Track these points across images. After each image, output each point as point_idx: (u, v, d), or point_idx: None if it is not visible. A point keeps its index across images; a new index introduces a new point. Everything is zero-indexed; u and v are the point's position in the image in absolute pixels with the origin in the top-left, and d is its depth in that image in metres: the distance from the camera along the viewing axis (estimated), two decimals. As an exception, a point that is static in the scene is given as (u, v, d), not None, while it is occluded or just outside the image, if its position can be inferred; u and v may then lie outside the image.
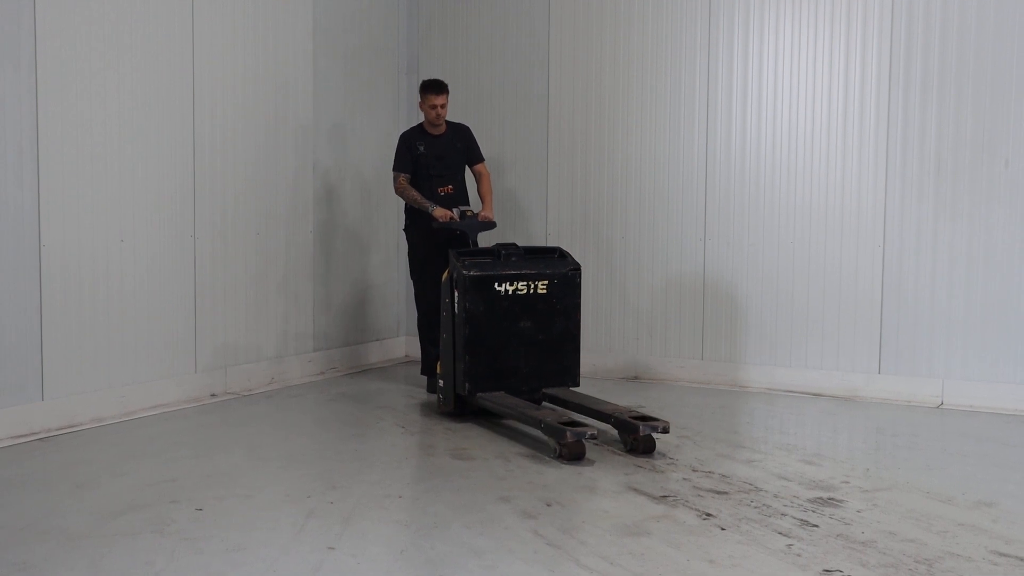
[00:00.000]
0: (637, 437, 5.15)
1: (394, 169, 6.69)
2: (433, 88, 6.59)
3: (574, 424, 5.07)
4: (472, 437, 5.57)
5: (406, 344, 8.30)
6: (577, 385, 5.92)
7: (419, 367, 7.94)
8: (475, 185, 6.83)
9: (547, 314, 5.80)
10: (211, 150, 6.47)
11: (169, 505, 4.29)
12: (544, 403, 5.81)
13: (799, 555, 3.78)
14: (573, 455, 5.01)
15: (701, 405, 6.52)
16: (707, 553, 3.82)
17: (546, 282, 5.79)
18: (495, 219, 6.65)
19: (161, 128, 6.14)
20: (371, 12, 7.87)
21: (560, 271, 5.83)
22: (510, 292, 5.71)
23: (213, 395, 6.53)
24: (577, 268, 5.88)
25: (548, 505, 4.38)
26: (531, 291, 5.75)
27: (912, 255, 6.54)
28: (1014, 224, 6.27)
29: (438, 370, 5.94)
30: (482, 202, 6.68)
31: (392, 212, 8.15)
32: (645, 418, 5.23)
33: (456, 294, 5.69)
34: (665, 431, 5.15)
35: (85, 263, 5.71)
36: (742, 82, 7.00)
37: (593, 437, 4.98)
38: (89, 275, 5.73)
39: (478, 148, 6.82)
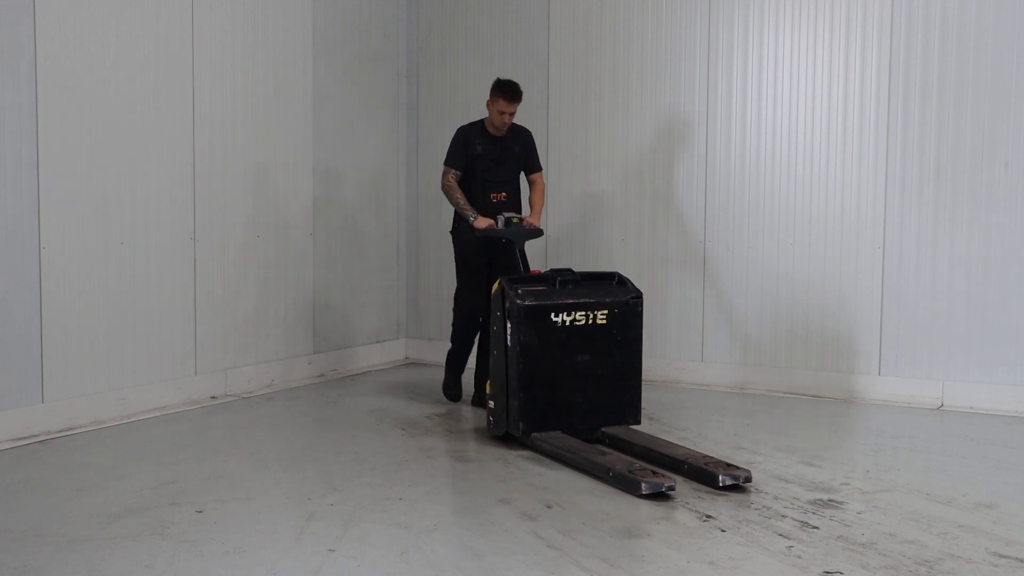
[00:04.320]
0: (716, 488, 4.57)
1: (445, 163, 6.19)
2: (507, 94, 6.03)
3: (646, 473, 4.56)
4: (471, 440, 5.56)
5: (406, 346, 8.30)
6: (638, 423, 5.47)
7: (419, 368, 7.94)
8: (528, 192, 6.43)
9: (606, 346, 5.33)
10: (211, 153, 6.47)
11: (169, 508, 4.29)
12: (602, 444, 5.29)
13: (799, 557, 3.78)
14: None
15: (701, 407, 6.52)
16: (707, 555, 3.81)
17: (606, 311, 5.32)
18: (541, 227, 6.15)
19: (161, 131, 6.14)
20: (371, 18, 7.88)
21: (620, 299, 5.37)
22: (567, 323, 5.24)
23: (213, 397, 6.53)
24: (639, 296, 5.43)
25: (548, 507, 4.38)
26: (590, 321, 5.29)
27: (912, 258, 6.54)
28: (1013, 227, 6.27)
29: (488, 390, 5.48)
30: (530, 208, 6.22)
31: (392, 213, 8.15)
32: (724, 465, 4.69)
33: (509, 325, 5.21)
34: (748, 480, 4.59)
35: (85, 266, 5.71)
36: (742, 87, 7.01)
37: (671, 489, 4.45)
38: (89, 278, 5.73)
39: (537, 156, 6.39)
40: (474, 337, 6.38)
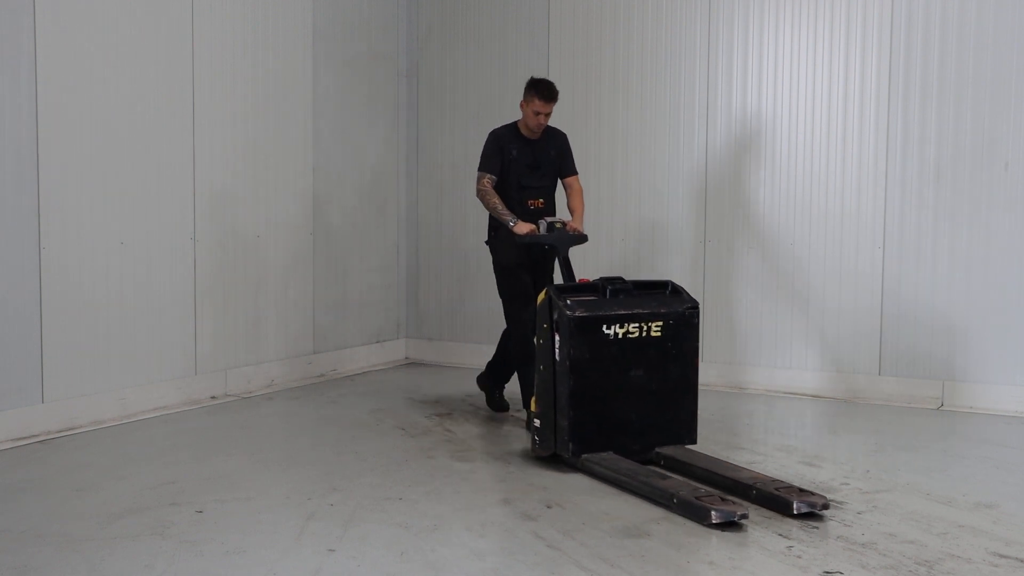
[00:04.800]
0: (791, 516, 4.19)
1: (480, 168, 5.86)
2: (542, 93, 5.73)
3: (715, 499, 4.19)
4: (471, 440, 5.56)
5: (406, 346, 8.30)
6: (694, 443, 5.10)
7: (419, 368, 7.94)
8: (566, 199, 6.06)
9: (661, 360, 4.98)
10: (211, 153, 6.47)
11: (169, 508, 4.29)
12: (657, 466, 4.91)
13: (799, 556, 3.78)
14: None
15: (701, 407, 6.47)
16: (707, 555, 3.81)
17: (660, 323, 4.96)
18: (585, 232, 5.85)
19: (161, 131, 6.14)
20: (371, 18, 7.88)
21: (676, 310, 5.01)
22: (620, 335, 4.88)
23: (213, 397, 6.53)
24: (695, 307, 5.07)
25: (548, 507, 4.38)
26: (643, 334, 4.93)
27: (912, 257, 6.54)
28: (1013, 227, 6.27)
29: (533, 407, 5.13)
30: (572, 214, 5.89)
31: (392, 213, 8.15)
32: (797, 491, 4.31)
33: (557, 338, 4.85)
34: (825, 507, 4.22)
35: (85, 266, 5.71)
36: (742, 87, 7.01)
37: (744, 517, 4.08)
38: (89, 278, 5.73)
39: (572, 159, 6.05)
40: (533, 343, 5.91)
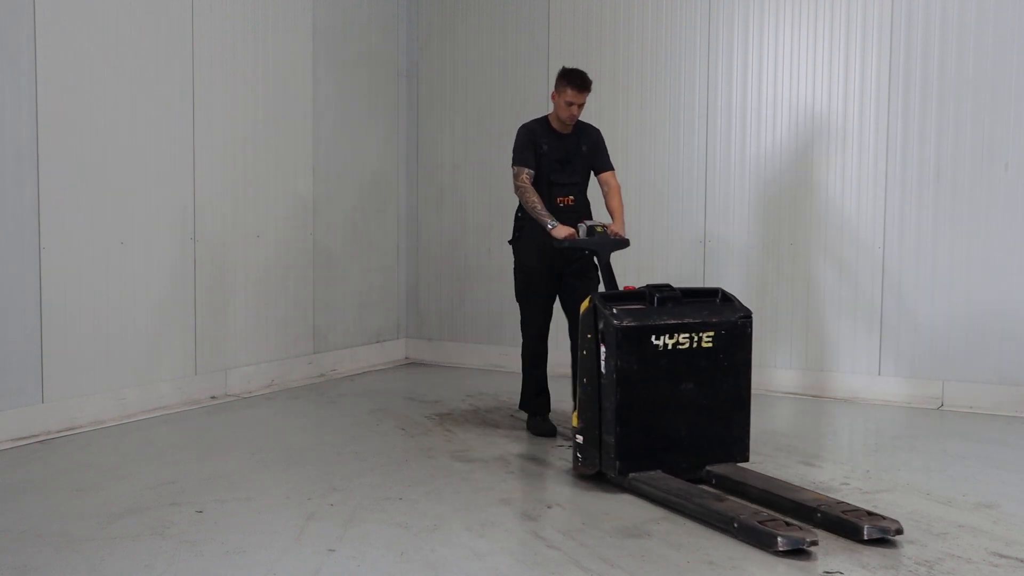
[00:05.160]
0: (860, 542, 3.91)
1: (515, 163, 5.53)
2: (575, 82, 5.46)
3: (779, 524, 3.89)
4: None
5: (406, 346, 8.29)
6: (746, 460, 4.81)
7: (419, 368, 7.93)
8: (602, 198, 5.70)
9: (712, 373, 4.70)
10: (211, 153, 6.47)
11: (169, 508, 4.29)
12: (708, 485, 4.63)
13: (800, 556, 3.77)
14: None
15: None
16: (707, 555, 3.81)
17: (712, 333, 4.68)
18: (627, 236, 5.48)
19: (161, 131, 6.14)
20: (371, 18, 7.87)
21: (728, 319, 4.73)
22: (669, 346, 4.60)
23: (213, 397, 6.53)
24: (748, 316, 4.80)
25: (549, 507, 4.38)
26: (694, 345, 4.65)
27: (912, 258, 6.54)
28: (1013, 227, 6.27)
29: (574, 422, 4.77)
30: (611, 217, 5.54)
31: (392, 213, 8.15)
32: (866, 514, 4.02)
33: (603, 349, 4.57)
34: (899, 532, 3.93)
35: (85, 265, 5.71)
36: (742, 87, 7.01)
37: (813, 544, 3.79)
38: (89, 277, 5.73)
39: (607, 154, 5.70)
40: (546, 351, 5.79)
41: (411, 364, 8.11)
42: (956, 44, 6.37)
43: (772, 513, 4.07)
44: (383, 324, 8.12)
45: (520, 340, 5.84)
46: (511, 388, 6.88)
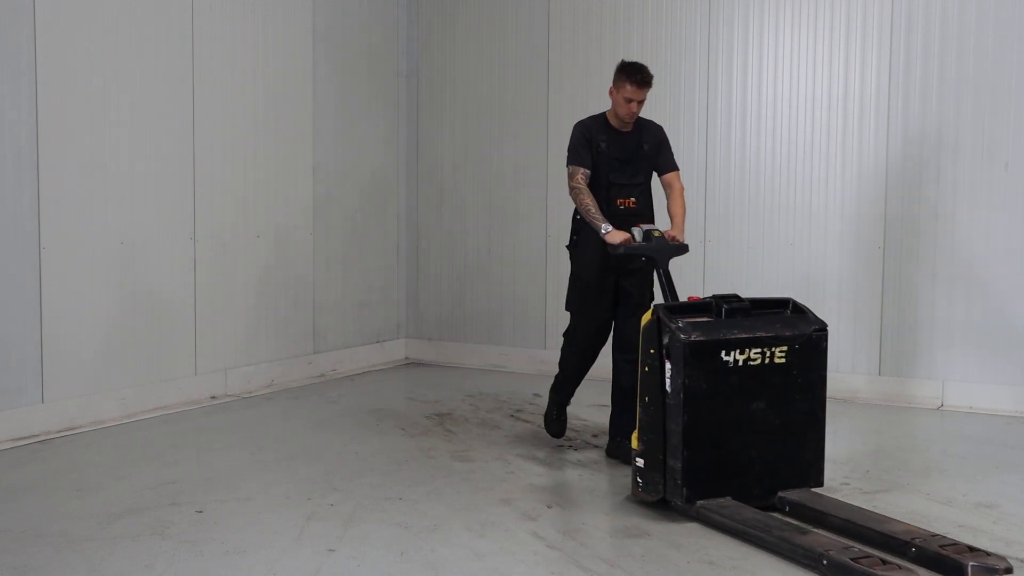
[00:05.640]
0: None
1: (570, 163, 5.15)
2: (634, 78, 5.09)
3: (875, 562, 3.55)
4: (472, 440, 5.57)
5: (406, 346, 8.29)
6: (821, 485, 4.44)
7: (419, 368, 7.92)
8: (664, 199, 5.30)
9: (785, 390, 4.34)
10: (211, 153, 6.47)
11: (169, 508, 4.29)
12: (780, 512, 4.27)
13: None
14: None
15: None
16: (707, 555, 3.81)
17: (785, 348, 4.32)
18: (686, 242, 5.14)
19: (161, 131, 6.14)
20: (371, 18, 7.87)
21: (802, 332, 4.35)
22: (740, 362, 4.25)
23: (213, 397, 6.53)
24: (823, 329, 4.41)
25: (549, 507, 4.38)
26: (766, 360, 4.29)
27: (912, 258, 6.54)
28: (1013, 227, 6.27)
29: (634, 444, 4.44)
30: (671, 220, 5.15)
31: (392, 213, 8.15)
32: (968, 549, 3.68)
33: (668, 365, 4.21)
34: (1009, 572, 3.58)
35: (85, 265, 5.71)
36: (742, 86, 7.01)
37: None
38: (89, 278, 5.73)
39: (671, 153, 5.33)
40: (589, 367, 5.39)
41: (411, 364, 8.11)
42: (956, 44, 6.37)
43: (863, 548, 3.72)
44: (383, 324, 8.12)
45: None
46: (511, 388, 6.90)
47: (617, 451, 5.16)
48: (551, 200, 7.61)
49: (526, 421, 6.01)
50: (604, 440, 5.38)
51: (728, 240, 7.08)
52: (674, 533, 4.04)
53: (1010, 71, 6.24)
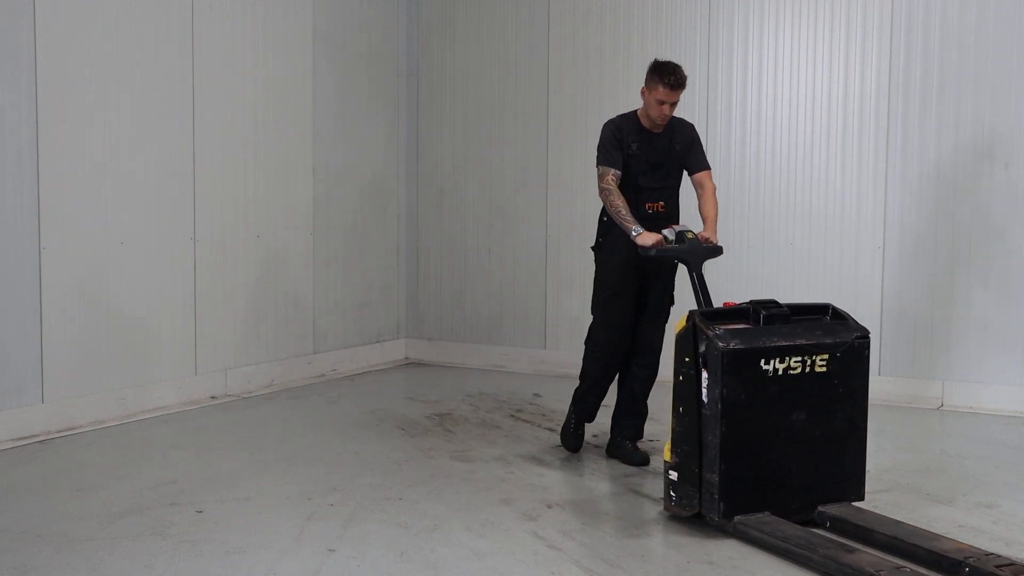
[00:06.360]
0: None
1: (600, 163, 5.02)
2: (668, 79, 4.94)
3: None
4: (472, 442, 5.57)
5: (406, 346, 8.29)
6: (862, 499, 4.27)
7: (419, 368, 7.92)
8: (696, 200, 5.17)
9: (825, 400, 4.17)
10: (211, 153, 6.47)
11: (169, 508, 4.29)
12: (821, 528, 4.10)
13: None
14: None
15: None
16: (707, 555, 3.81)
17: (826, 356, 4.15)
18: (720, 243, 4.99)
19: (161, 131, 6.14)
20: (370, 18, 7.87)
21: (843, 340, 4.19)
22: (780, 371, 4.08)
23: (213, 397, 6.53)
24: (865, 336, 4.25)
25: (549, 507, 4.38)
26: (806, 369, 4.13)
27: (912, 258, 6.54)
28: (1013, 227, 6.27)
29: (667, 456, 4.23)
30: (703, 221, 5.02)
31: (392, 213, 8.15)
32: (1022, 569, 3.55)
33: (705, 374, 4.06)
34: None
35: (85, 266, 5.71)
36: (742, 87, 7.01)
37: None
38: (89, 278, 5.73)
39: (703, 152, 5.19)
40: (613, 377, 5.25)
41: (411, 364, 8.11)
42: (956, 44, 6.37)
43: (915, 568, 3.59)
44: (383, 324, 8.12)
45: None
46: (511, 388, 6.90)
47: (617, 451, 5.16)
48: (551, 200, 7.61)
49: (526, 421, 6.01)
50: (604, 440, 5.38)
51: (727, 241, 7.03)
52: (674, 533, 4.04)
53: (1010, 71, 6.24)
